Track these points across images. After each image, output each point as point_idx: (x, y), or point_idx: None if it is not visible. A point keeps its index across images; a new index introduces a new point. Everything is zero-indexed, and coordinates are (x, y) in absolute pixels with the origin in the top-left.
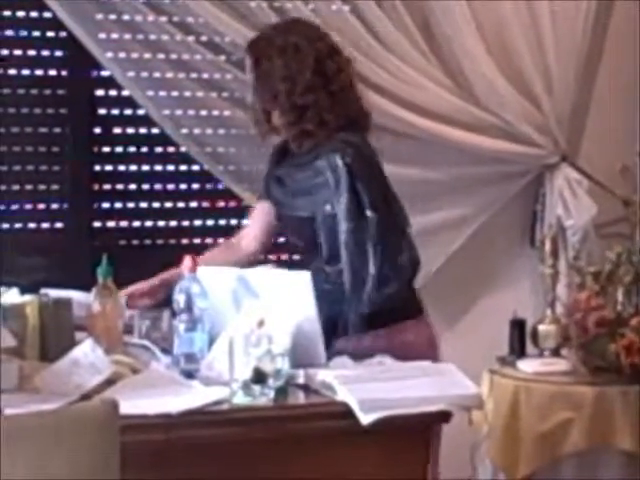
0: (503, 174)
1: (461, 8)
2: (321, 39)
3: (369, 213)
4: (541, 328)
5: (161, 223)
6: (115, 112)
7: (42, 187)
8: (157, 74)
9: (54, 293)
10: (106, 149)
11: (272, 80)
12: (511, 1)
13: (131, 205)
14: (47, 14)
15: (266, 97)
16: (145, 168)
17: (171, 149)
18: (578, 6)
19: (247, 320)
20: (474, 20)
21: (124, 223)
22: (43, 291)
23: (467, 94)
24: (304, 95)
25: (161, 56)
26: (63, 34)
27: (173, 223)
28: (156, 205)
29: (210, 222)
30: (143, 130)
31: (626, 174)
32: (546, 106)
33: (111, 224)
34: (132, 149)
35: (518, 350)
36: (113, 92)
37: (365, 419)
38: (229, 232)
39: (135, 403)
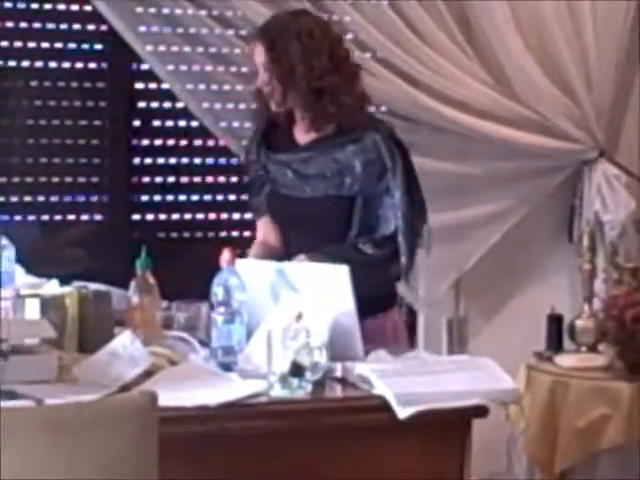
0: (541, 169)
1: (500, 2)
2: (330, 28)
3: (417, 184)
4: (578, 323)
5: (200, 216)
6: (154, 105)
7: (81, 180)
8: (196, 67)
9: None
10: (145, 142)
11: (289, 62)
12: None
13: (170, 198)
14: (87, 7)
15: (284, 78)
16: (184, 161)
17: (210, 142)
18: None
19: (285, 313)
20: (513, 14)
21: (163, 216)
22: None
23: (505, 89)
24: (321, 78)
25: (200, 49)
26: (103, 27)
27: (212, 216)
28: (195, 198)
29: (248, 215)
30: (182, 123)
31: None
32: (585, 101)
33: (150, 217)
34: (171, 142)
35: (555, 345)
36: (152, 85)
37: (402, 413)
38: None
39: (173, 395)
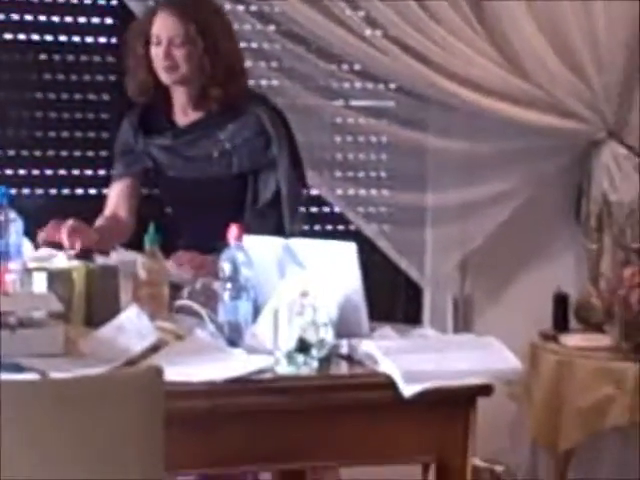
0: (550, 148)
1: None
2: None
3: (299, 155)
4: (584, 303)
5: None
6: None
7: (90, 154)
8: None
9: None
10: None
11: (213, 37)
12: None
13: None
14: None
15: (208, 52)
16: None
17: None
18: None
19: (291, 289)
20: None
21: None
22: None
23: (515, 68)
24: (236, 56)
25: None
26: (114, 1)
27: None
28: None
29: None
30: None
31: None
32: (594, 82)
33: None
34: None
35: (561, 325)
36: None
37: (407, 390)
38: None
39: (179, 370)
